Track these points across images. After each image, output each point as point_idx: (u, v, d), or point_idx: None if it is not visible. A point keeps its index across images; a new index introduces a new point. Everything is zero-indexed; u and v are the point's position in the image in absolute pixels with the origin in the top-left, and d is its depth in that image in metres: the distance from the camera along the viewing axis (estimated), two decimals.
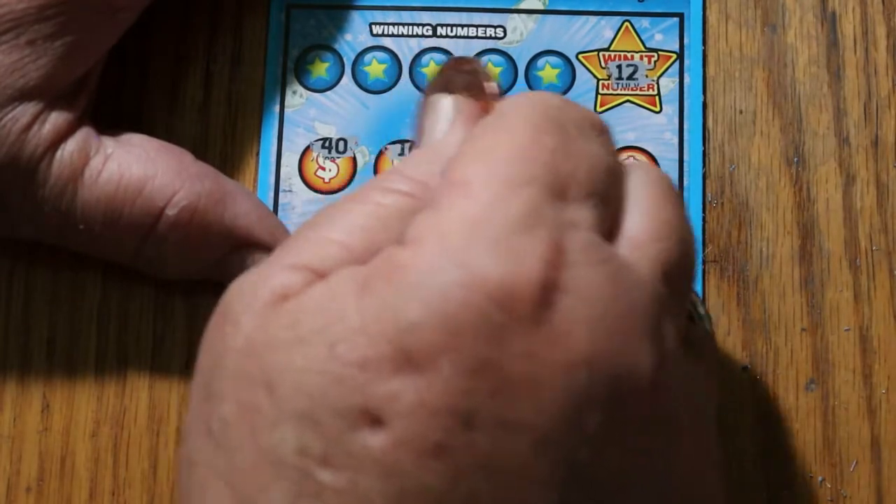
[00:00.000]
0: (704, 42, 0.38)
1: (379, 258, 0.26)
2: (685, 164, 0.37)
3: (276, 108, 0.38)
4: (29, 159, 0.34)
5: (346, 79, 0.38)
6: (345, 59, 0.39)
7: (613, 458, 0.25)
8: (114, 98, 0.38)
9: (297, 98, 0.38)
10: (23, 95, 0.33)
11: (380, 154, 0.38)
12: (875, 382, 0.36)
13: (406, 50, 0.38)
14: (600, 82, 0.38)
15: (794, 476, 0.36)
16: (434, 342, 0.24)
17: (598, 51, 0.38)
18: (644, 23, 0.38)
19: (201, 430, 0.27)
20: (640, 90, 0.38)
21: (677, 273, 0.28)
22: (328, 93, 0.38)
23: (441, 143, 0.31)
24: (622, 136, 0.38)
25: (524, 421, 0.24)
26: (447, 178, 0.27)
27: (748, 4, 0.38)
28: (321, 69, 0.39)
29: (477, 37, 0.38)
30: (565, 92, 0.38)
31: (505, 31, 0.38)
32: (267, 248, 0.35)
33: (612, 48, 0.38)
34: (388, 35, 0.39)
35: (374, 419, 0.24)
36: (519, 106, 0.29)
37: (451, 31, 0.38)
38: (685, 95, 0.38)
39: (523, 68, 0.38)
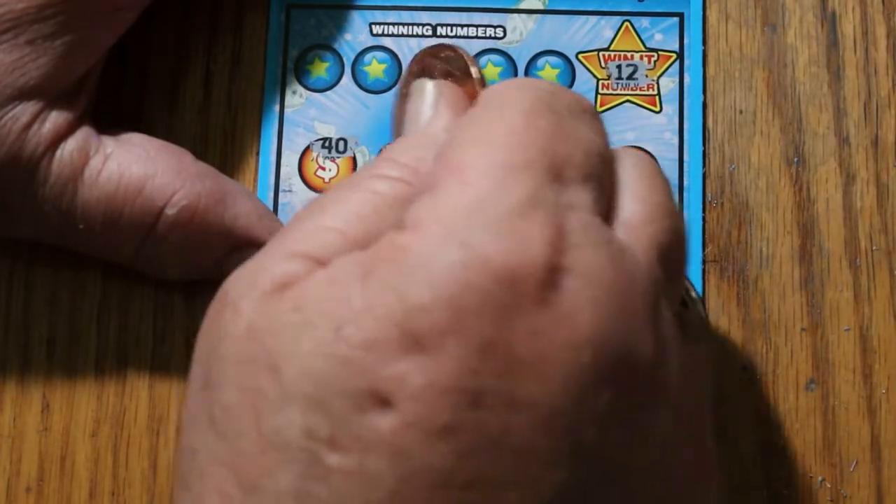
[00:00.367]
0: (704, 42, 0.38)
1: (381, 243, 0.26)
2: (685, 164, 0.37)
3: (276, 108, 0.38)
4: (29, 158, 0.34)
5: (346, 79, 0.38)
6: (345, 58, 0.39)
7: (617, 437, 0.26)
8: (114, 98, 0.38)
9: (296, 98, 0.38)
10: (23, 94, 0.33)
11: (380, 154, 0.38)
12: (875, 382, 0.36)
13: (406, 50, 0.38)
14: (600, 82, 0.38)
15: (794, 476, 0.36)
16: (441, 323, 0.24)
17: (597, 51, 0.38)
18: (644, 22, 0.38)
19: (201, 418, 0.27)
20: (640, 90, 0.38)
21: (672, 256, 0.29)
22: (328, 93, 0.38)
23: (428, 129, 0.31)
24: (622, 136, 0.38)
25: (531, 400, 0.25)
26: (444, 164, 0.27)
27: (748, 4, 0.38)
28: (321, 69, 0.39)
29: (477, 37, 0.38)
30: None
31: (505, 31, 0.38)
32: None
33: (611, 48, 0.38)
34: (387, 35, 0.39)
35: (383, 401, 0.24)
36: (511, 91, 0.29)
37: (451, 31, 0.38)
38: (685, 95, 0.38)
39: (523, 68, 0.38)
